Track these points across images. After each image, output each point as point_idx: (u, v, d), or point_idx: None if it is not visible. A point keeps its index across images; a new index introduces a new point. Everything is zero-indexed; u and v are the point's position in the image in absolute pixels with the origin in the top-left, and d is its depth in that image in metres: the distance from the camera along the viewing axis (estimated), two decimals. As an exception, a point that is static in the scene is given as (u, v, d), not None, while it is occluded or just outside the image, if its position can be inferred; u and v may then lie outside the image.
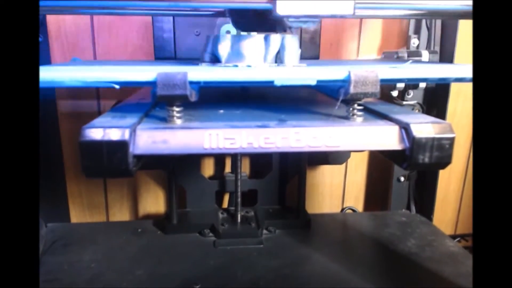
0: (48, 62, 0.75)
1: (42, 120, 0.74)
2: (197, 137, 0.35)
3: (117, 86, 0.35)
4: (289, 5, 0.38)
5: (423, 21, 0.79)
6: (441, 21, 0.78)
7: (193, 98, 0.36)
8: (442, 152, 0.36)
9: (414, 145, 0.35)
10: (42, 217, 0.76)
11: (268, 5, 0.39)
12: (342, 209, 0.94)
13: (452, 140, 0.36)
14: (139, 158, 0.35)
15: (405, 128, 0.36)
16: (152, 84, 0.35)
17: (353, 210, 0.93)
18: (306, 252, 0.69)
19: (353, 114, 0.39)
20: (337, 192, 0.93)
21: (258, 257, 0.68)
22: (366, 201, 0.95)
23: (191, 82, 0.35)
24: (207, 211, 0.80)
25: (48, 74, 0.34)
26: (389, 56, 0.79)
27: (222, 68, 0.43)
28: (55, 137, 0.78)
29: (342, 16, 0.40)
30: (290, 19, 0.43)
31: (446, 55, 0.77)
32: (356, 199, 0.94)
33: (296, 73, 0.37)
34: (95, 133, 0.33)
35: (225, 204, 0.89)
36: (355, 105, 0.39)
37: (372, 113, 0.43)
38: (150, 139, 0.35)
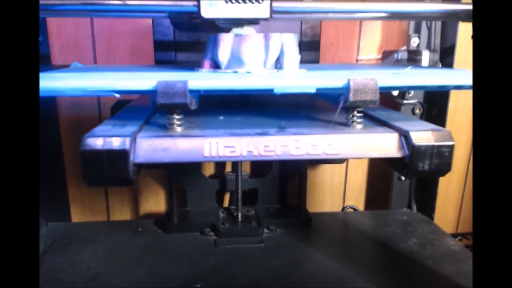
0: (48, 61, 0.75)
1: (42, 118, 0.73)
2: (197, 146, 0.35)
3: (117, 95, 0.35)
4: (212, 8, 0.41)
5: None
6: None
7: (193, 106, 0.36)
8: (441, 159, 0.36)
9: (414, 152, 0.35)
10: (43, 216, 0.77)
11: (194, 8, 0.42)
12: (343, 208, 0.94)
13: (451, 147, 0.36)
14: (139, 166, 0.35)
15: (404, 135, 0.37)
16: (152, 92, 0.35)
17: (354, 209, 0.93)
18: (307, 251, 0.69)
19: (353, 121, 0.39)
20: (338, 191, 0.93)
21: (258, 256, 0.68)
22: (367, 200, 0.95)
23: (191, 91, 0.35)
24: (207, 210, 0.81)
25: (48, 83, 0.34)
26: (389, 56, 0.78)
27: (222, 75, 0.43)
28: (55, 137, 0.78)
29: (265, 19, 0.43)
30: (220, 21, 0.45)
31: (446, 54, 0.77)
32: (357, 198, 0.94)
33: (296, 81, 0.37)
34: (96, 142, 0.33)
35: (226, 203, 0.89)
36: (355, 112, 0.39)
37: (372, 120, 0.43)
38: (151, 147, 0.35)
